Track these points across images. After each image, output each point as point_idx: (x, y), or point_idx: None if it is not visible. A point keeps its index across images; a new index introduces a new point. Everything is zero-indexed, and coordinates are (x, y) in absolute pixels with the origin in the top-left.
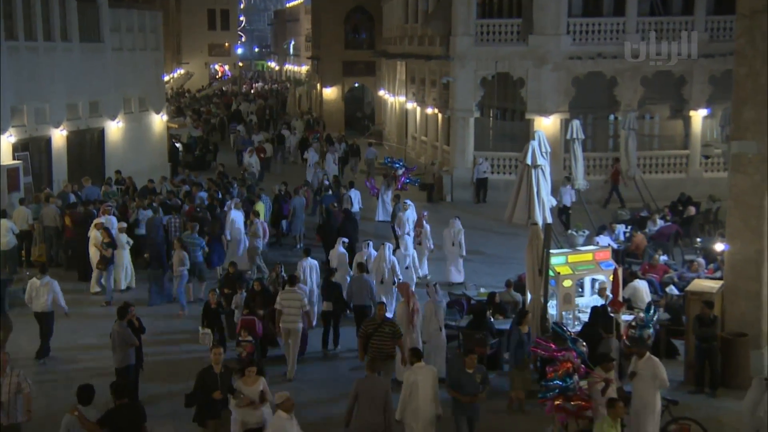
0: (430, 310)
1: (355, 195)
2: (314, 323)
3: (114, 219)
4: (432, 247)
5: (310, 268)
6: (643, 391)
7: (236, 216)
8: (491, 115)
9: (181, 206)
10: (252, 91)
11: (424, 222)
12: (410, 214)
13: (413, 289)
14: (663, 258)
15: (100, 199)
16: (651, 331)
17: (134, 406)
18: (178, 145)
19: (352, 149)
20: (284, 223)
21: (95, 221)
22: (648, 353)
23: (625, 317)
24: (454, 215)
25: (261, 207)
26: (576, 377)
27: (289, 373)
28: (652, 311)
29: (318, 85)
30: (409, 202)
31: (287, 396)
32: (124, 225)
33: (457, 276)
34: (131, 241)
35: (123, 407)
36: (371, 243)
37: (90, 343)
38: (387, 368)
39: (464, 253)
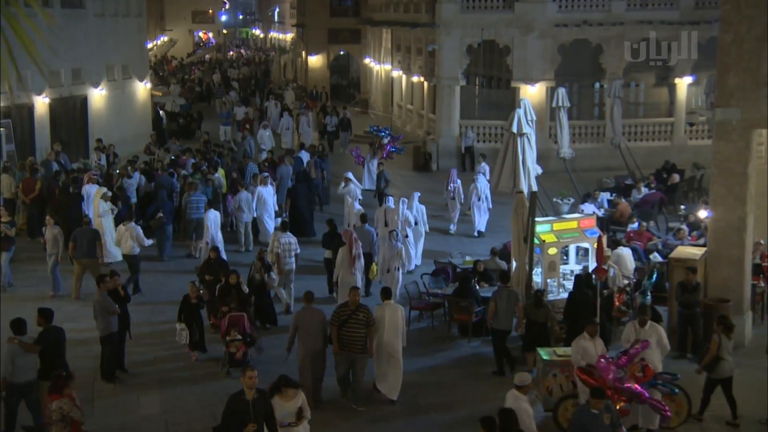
0: (384, 252)
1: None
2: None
3: (95, 188)
4: (463, 200)
5: (213, 220)
6: (649, 358)
7: (264, 192)
8: (477, 83)
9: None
10: (239, 59)
11: (456, 179)
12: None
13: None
14: (633, 226)
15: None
16: (649, 297)
17: (57, 329)
18: (161, 113)
19: (342, 123)
20: None
21: (98, 191)
22: (649, 320)
23: (627, 282)
24: (482, 167)
25: (222, 173)
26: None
27: (286, 308)
28: (654, 277)
29: (303, 53)
30: (350, 175)
31: (531, 380)
32: (109, 192)
33: (482, 227)
34: (116, 209)
35: (50, 329)
36: (391, 198)
37: (74, 311)
38: (361, 363)
39: (491, 206)
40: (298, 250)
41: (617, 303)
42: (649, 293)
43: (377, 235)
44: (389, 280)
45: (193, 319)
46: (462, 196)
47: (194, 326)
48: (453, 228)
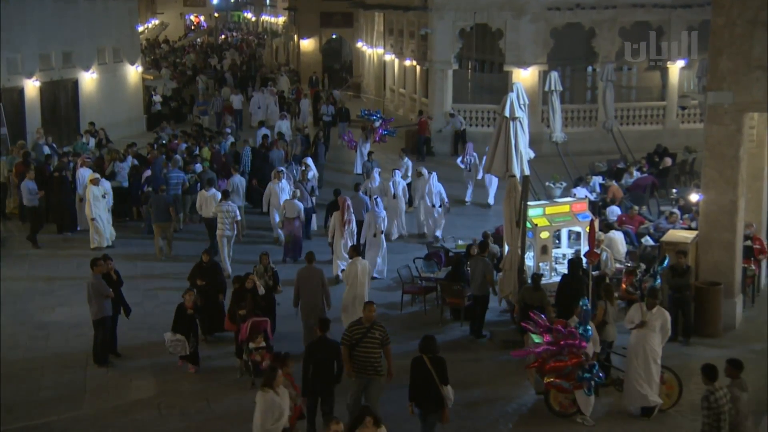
0: (370, 218)
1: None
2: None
3: (89, 171)
4: (481, 176)
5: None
6: (651, 341)
7: (276, 188)
8: (470, 67)
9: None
10: (231, 42)
11: (473, 152)
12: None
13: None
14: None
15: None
16: (659, 281)
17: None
18: (156, 97)
19: (341, 113)
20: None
21: (90, 176)
22: (657, 304)
23: (618, 265)
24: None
25: (207, 152)
26: (594, 369)
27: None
28: (665, 262)
29: (295, 36)
30: (309, 161)
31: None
32: (98, 176)
33: (492, 198)
34: (107, 194)
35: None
36: (398, 172)
37: (67, 295)
38: (376, 387)
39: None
40: (239, 218)
41: (624, 285)
42: (659, 277)
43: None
44: (375, 244)
45: (189, 331)
46: (481, 172)
47: (191, 337)
48: (468, 198)
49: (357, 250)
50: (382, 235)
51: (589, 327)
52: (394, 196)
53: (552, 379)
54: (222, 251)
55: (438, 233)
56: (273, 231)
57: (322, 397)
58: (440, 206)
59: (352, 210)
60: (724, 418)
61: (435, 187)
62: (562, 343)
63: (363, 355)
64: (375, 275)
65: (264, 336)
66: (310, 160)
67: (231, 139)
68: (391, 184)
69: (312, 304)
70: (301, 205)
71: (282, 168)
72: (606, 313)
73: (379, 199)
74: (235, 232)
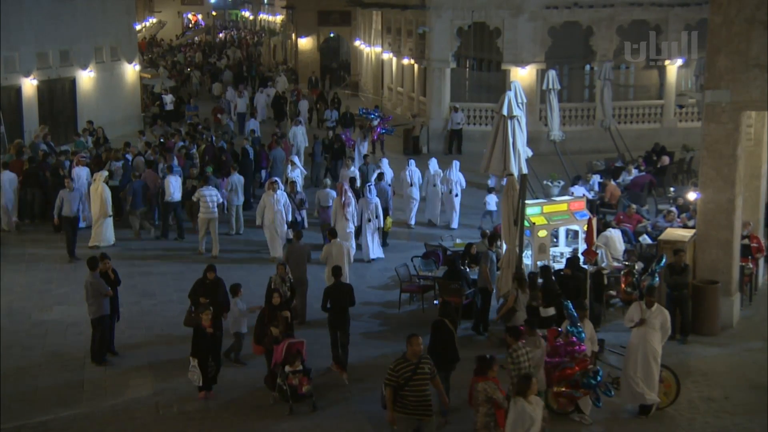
0: (363, 204)
1: (254, 124)
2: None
3: (86, 170)
4: None
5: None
6: (651, 340)
7: (271, 200)
8: (468, 65)
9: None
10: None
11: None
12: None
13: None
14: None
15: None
16: (657, 279)
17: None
18: (168, 97)
19: (345, 117)
20: (263, 173)
21: (97, 175)
22: (656, 302)
23: (616, 264)
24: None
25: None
26: (600, 373)
27: (214, 251)
28: (663, 261)
29: (293, 35)
30: (295, 159)
31: None
32: (105, 173)
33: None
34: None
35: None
36: (413, 161)
37: (65, 294)
38: (429, 429)
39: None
40: (221, 200)
41: (623, 285)
42: (657, 276)
43: (394, 193)
44: (369, 228)
45: (209, 353)
46: None
47: (210, 360)
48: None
49: (334, 233)
50: (376, 220)
51: (580, 328)
52: (411, 185)
53: (563, 389)
54: (200, 233)
55: (454, 225)
56: (270, 250)
57: (339, 330)
58: (456, 195)
59: (350, 194)
60: (525, 372)
61: (455, 176)
62: (561, 351)
63: (415, 394)
64: (373, 257)
65: (300, 358)
66: (296, 158)
67: (223, 140)
68: (407, 174)
69: (300, 277)
70: (334, 194)
71: (276, 178)
72: (517, 301)
73: (372, 187)
74: (217, 215)
